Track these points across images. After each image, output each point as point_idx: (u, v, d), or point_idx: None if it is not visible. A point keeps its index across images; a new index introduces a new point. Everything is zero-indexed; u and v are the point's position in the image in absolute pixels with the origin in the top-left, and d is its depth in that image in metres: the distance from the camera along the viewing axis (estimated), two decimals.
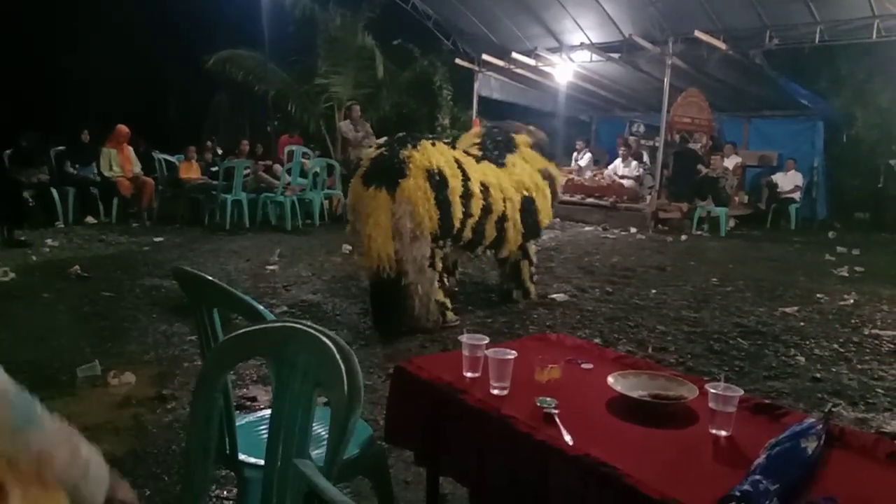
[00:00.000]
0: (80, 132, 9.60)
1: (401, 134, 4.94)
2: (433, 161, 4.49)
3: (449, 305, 4.76)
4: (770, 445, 1.39)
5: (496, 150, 5.24)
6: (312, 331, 1.44)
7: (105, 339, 4.35)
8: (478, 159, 5.00)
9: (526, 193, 5.17)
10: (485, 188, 4.81)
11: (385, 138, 4.91)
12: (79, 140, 9.55)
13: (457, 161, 4.70)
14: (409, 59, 14.25)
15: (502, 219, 4.98)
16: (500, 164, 5.13)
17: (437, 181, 4.46)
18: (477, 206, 4.72)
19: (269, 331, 1.56)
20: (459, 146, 5.10)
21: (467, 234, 4.75)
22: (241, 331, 1.56)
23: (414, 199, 4.37)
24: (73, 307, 5.08)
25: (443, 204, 4.47)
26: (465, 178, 4.67)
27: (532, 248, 5.51)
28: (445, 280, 4.78)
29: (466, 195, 4.64)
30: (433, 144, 4.70)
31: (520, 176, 5.19)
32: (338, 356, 1.39)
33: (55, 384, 3.54)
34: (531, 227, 5.26)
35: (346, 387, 1.35)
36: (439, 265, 4.63)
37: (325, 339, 1.43)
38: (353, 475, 2.15)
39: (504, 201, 4.97)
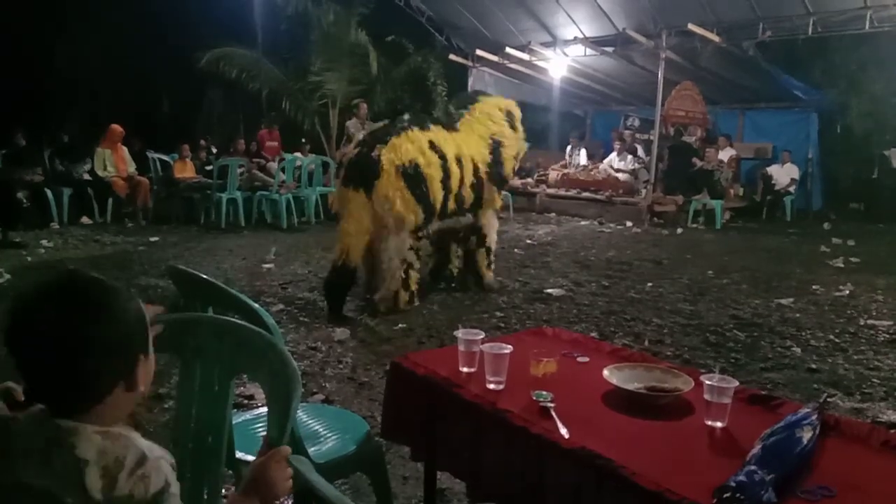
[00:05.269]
0: (70, 131, 9.59)
1: (380, 125, 5.21)
2: (405, 157, 4.71)
3: (403, 299, 4.98)
4: (765, 436, 1.40)
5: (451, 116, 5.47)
6: (227, 316, 1.37)
7: None
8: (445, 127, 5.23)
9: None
10: (459, 160, 5.06)
11: (365, 133, 5.17)
12: (69, 138, 9.53)
13: (431, 144, 4.90)
14: (403, 55, 14.20)
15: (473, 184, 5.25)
16: (454, 129, 5.30)
17: (412, 175, 4.71)
18: (455, 181, 5.00)
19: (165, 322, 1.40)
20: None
21: (451, 205, 5.06)
22: None
23: (391, 198, 4.66)
24: None
25: (421, 196, 4.75)
26: (443, 159, 4.90)
27: (490, 235, 5.64)
28: (412, 275, 5.02)
29: (446, 175, 4.91)
30: (408, 131, 4.88)
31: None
32: (259, 337, 1.31)
33: None
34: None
35: (273, 365, 1.27)
36: (411, 257, 4.93)
37: (240, 322, 1.36)
38: (351, 471, 2.16)
39: (473, 168, 5.24)
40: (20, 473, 0.98)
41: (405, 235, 4.82)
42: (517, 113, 5.80)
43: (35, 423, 1.01)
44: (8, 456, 0.99)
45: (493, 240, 5.68)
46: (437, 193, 4.86)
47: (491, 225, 5.62)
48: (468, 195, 5.22)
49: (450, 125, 5.33)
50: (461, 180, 5.08)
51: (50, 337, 0.97)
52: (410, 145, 4.80)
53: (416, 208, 4.74)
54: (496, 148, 5.44)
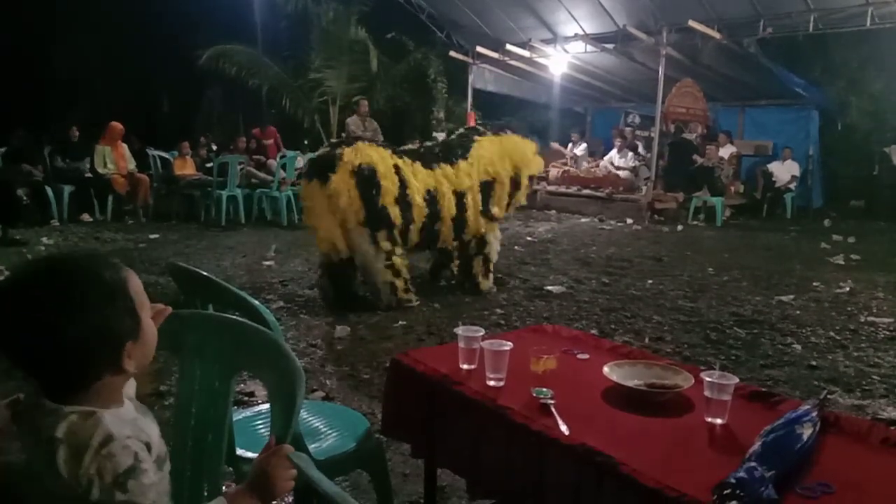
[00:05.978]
0: (71, 128, 9.58)
1: (343, 135, 5.39)
2: (361, 159, 4.78)
3: (399, 286, 5.00)
4: (765, 432, 1.39)
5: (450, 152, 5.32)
6: (225, 314, 1.37)
7: None
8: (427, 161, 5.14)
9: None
10: (431, 195, 5.02)
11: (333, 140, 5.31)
12: (70, 135, 9.54)
13: (396, 168, 4.91)
14: (403, 53, 14.20)
15: (454, 218, 5.17)
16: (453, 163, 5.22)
17: (364, 177, 4.75)
18: (419, 214, 4.97)
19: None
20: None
21: (413, 237, 5.05)
22: None
23: (338, 192, 4.74)
24: None
25: (369, 201, 4.77)
26: (403, 185, 4.88)
27: (491, 242, 5.53)
28: (397, 262, 4.99)
29: (404, 202, 4.88)
30: (380, 148, 5.00)
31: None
32: (259, 334, 1.31)
33: None
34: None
35: (274, 362, 1.27)
36: (387, 246, 4.89)
37: (240, 319, 1.36)
38: (352, 468, 2.16)
39: (458, 201, 5.15)
40: (21, 451, 1.03)
41: (363, 228, 4.81)
42: (519, 145, 5.65)
43: (27, 404, 1.06)
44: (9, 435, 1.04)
45: (493, 249, 5.56)
46: (392, 207, 4.82)
47: (490, 235, 5.50)
48: (446, 231, 5.17)
49: (434, 161, 5.17)
50: (428, 216, 5.01)
51: (20, 338, 1.00)
52: (374, 154, 4.86)
53: (359, 209, 4.75)
54: (486, 186, 5.33)
